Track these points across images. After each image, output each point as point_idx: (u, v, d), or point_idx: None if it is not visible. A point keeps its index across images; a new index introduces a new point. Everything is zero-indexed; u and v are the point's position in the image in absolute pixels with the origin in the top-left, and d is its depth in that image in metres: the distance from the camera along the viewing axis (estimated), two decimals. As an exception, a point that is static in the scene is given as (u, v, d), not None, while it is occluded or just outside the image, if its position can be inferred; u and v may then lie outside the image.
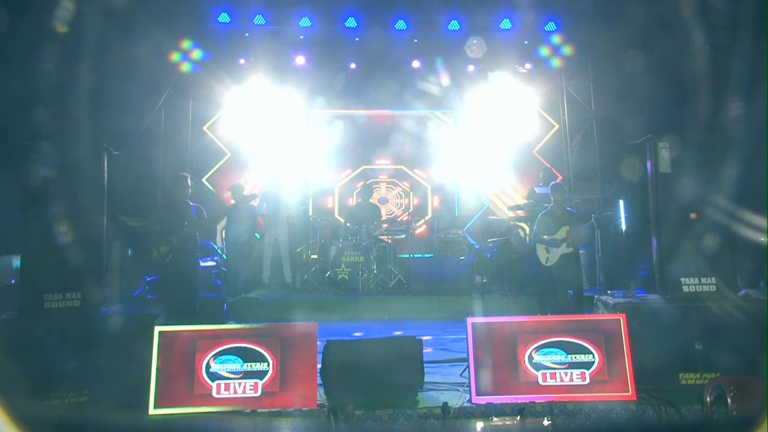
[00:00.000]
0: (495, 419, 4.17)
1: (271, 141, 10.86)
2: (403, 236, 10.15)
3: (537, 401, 4.34)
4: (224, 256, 9.12)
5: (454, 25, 10.31)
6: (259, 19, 10.08)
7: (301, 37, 10.50)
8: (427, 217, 11.27)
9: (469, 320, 4.59)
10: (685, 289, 4.95)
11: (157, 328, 4.39)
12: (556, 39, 10.59)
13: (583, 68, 10.89)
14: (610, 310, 5.06)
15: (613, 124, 10.02)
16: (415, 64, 10.95)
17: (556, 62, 11.05)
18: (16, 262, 6.38)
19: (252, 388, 4.29)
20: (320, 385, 4.54)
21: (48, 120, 6.53)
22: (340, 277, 9.11)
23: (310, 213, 10.67)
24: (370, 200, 10.53)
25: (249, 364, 4.34)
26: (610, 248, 8.43)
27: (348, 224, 9.70)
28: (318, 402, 4.30)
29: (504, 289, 8.67)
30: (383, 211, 10.86)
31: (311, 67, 10.86)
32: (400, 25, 10.29)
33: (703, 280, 4.95)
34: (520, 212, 9.77)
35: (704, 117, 7.25)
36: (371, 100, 11.15)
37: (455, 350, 6.10)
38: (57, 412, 3.99)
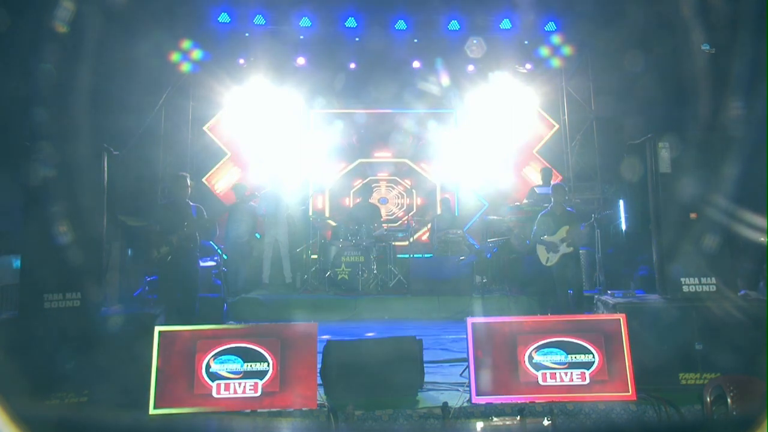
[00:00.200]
0: (495, 419, 4.17)
1: (271, 141, 10.87)
2: (406, 243, 10.13)
3: (537, 401, 4.34)
4: (224, 256, 9.12)
5: (454, 25, 10.32)
6: (259, 19, 10.09)
7: (301, 37, 10.51)
8: (427, 218, 11.25)
9: (469, 320, 4.59)
10: (685, 289, 4.96)
11: (157, 328, 4.39)
12: (556, 39, 10.60)
13: (583, 68, 10.89)
14: (610, 310, 5.06)
15: (613, 124, 10.01)
16: (415, 64, 10.95)
17: (556, 62, 11.05)
18: (16, 262, 6.37)
19: (252, 388, 4.29)
20: (320, 385, 4.54)
21: (48, 120, 6.52)
22: (340, 277, 9.12)
23: (310, 213, 10.67)
24: (369, 200, 10.53)
25: (249, 364, 4.33)
26: (610, 248, 8.43)
27: (339, 223, 9.66)
28: (318, 402, 4.30)
29: (504, 289, 8.67)
30: (383, 212, 10.86)
31: (311, 67, 10.86)
32: (400, 25, 10.30)
33: (703, 280, 4.95)
34: (521, 212, 9.75)
35: (704, 117, 7.26)
36: (371, 100, 11.15)
37: (455, 350, 6.10)
38: (57, 412, 3.98)
